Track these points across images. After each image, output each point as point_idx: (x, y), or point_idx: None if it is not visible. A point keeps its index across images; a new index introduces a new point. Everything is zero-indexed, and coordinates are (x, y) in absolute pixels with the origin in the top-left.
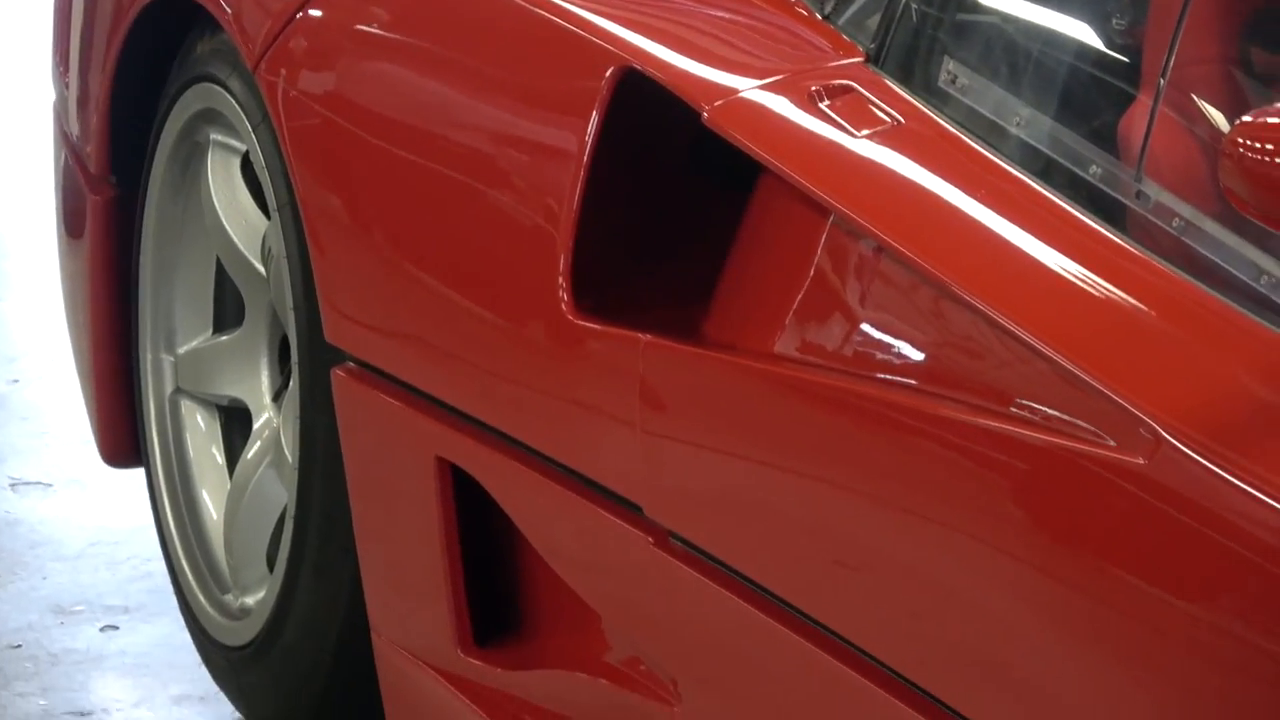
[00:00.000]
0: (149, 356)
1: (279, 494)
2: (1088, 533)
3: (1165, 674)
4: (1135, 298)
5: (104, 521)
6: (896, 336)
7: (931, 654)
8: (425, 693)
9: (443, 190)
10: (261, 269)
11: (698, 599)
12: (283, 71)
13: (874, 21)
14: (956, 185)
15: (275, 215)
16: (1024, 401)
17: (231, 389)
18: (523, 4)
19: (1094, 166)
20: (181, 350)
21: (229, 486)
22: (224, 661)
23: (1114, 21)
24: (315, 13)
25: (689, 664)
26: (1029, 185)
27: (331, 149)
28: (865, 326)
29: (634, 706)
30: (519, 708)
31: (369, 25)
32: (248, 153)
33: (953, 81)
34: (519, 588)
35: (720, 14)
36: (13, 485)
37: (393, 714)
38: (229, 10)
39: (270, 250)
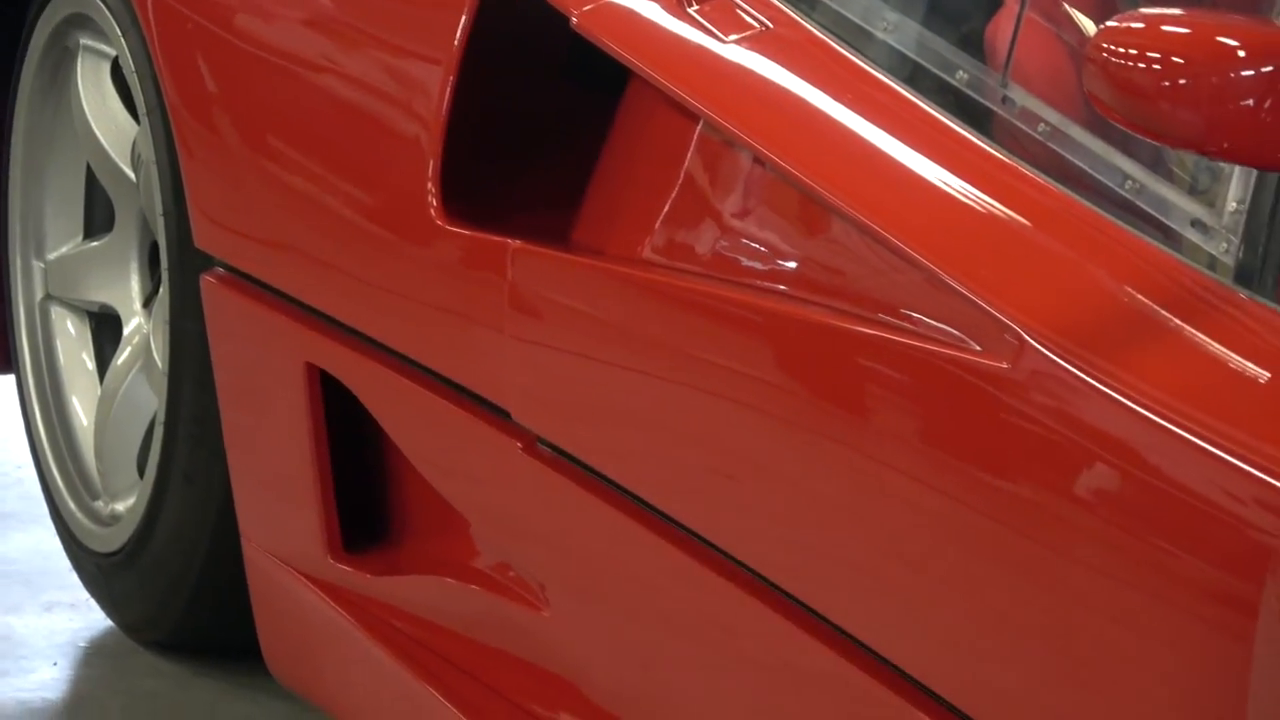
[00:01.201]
0: (19, 262)
1: (149, 400)
2: (954, 435)
3: (1026, 571)
4: (1001, 203)
5: None
6: (764, 242)
7: (799, 557)
8: (295, 598)
9: (311, 96)
10: (131, 174)
11: (565, 504)
12: None
13: None
14: (824, 91)
15: (145, 120)
16: (892, 306)
17: (101, 295)
18: None
19: (961, 72)
20: (51, 256)
21: (99, 393)
22: (94, 568)
23: None
24: None
25: (557, 569)
26: (896, 91)
27: (200, 54)
28: (733, 232)
29: (503, 612)
30: (388, 613)
31: None
32: (117, 58)
33: None
34: (389, 494)
35: None
36: None
37: (262, 619)
38: None
39: (140, 156)
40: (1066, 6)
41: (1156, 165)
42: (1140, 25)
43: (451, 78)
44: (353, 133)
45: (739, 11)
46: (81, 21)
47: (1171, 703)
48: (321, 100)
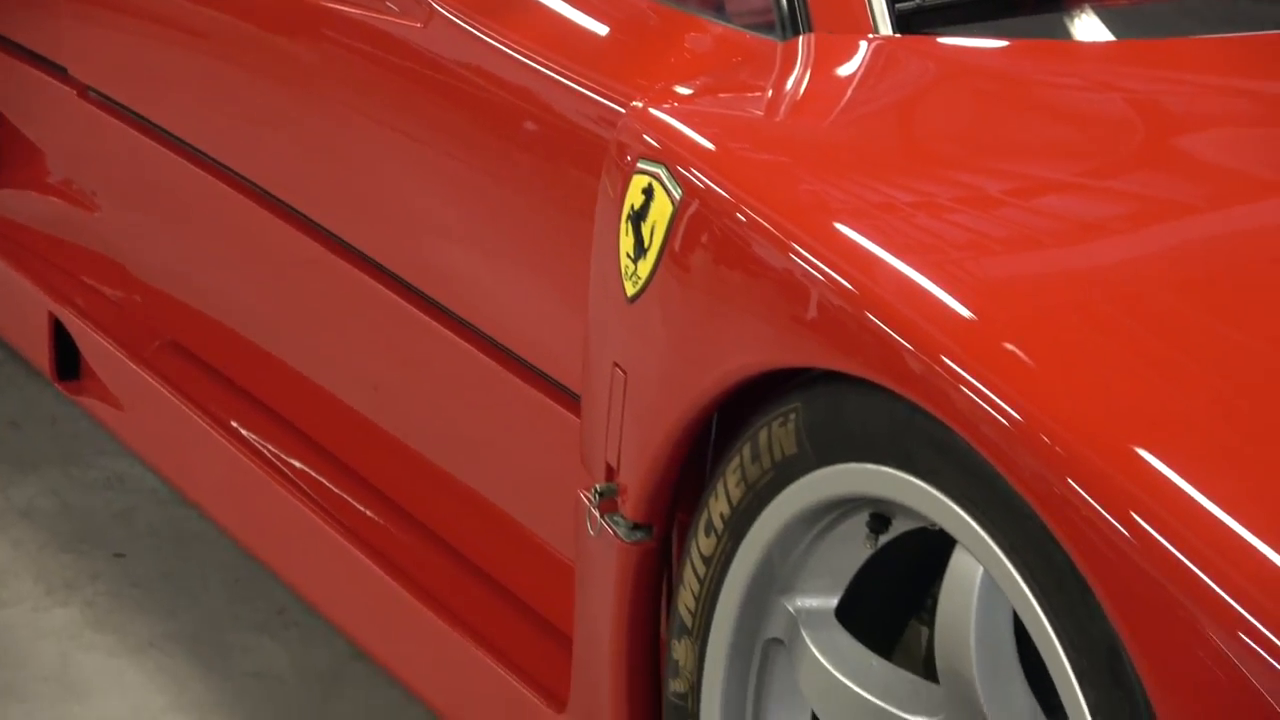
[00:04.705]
0: None
1: None
2: (386, 80)
3: (450, 179)
4: None
5: None
6: None
7: (288, 170)
8: None
9: None
10: None
11: (108, 136)
12: None
13: None
14: None
15: None
16: None
17: None
18: None
19: None
20: None
21: None
22: None
23: None
24: None
25: (106, 182)
26: None
27: None
28: None
29: (67, 216)
30: None
31: None
32: None
33: None
34: None
35: None
36: None
37: None
38: None
39: None
40: None
41: None
42: None
43: None
44: None
45: None
46: None
47: (570, 272)
48: None
